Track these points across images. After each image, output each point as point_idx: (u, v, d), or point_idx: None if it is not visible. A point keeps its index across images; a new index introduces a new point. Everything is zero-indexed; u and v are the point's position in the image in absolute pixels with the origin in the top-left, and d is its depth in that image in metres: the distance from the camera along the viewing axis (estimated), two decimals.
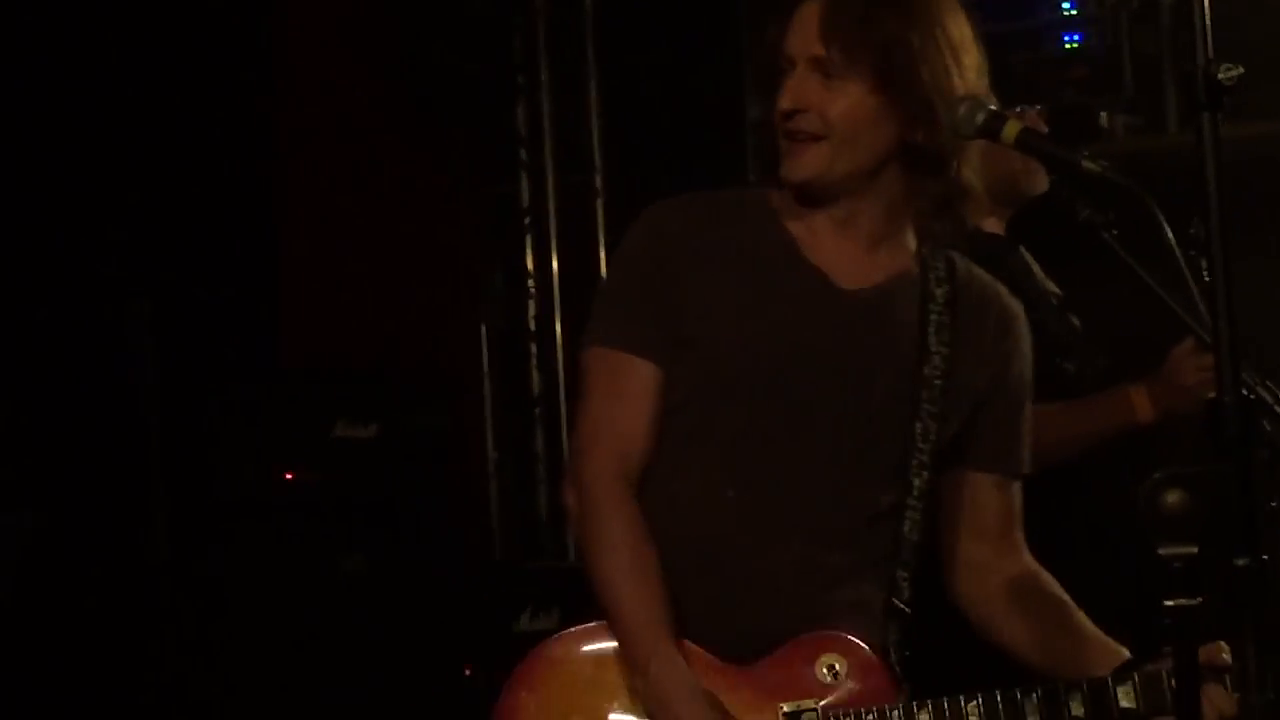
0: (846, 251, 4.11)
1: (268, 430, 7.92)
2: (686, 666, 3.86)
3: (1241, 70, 3.61)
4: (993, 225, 5.89)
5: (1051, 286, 6.15)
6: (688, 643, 3.94)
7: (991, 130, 4.31)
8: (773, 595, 3.99)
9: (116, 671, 7.48)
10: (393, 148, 8.91)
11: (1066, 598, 4.43)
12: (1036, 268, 6.07)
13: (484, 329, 9.13)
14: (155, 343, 7.73)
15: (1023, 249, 6.06)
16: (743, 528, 4.02)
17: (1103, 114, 8.15)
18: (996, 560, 4.40)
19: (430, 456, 8.24)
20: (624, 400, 4.04)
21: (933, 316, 4.16)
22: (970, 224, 4.82)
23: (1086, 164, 4.77)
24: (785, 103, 4.00)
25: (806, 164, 3.97)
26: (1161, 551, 3.34)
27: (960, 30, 4.17)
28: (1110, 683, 4.06)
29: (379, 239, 8.93)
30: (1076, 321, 6.11)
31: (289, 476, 7.79)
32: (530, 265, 9.16)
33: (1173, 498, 3.32)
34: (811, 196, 4.09)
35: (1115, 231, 5.61)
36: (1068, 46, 8.15)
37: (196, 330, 7.96)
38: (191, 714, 7.54)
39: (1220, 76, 3.33)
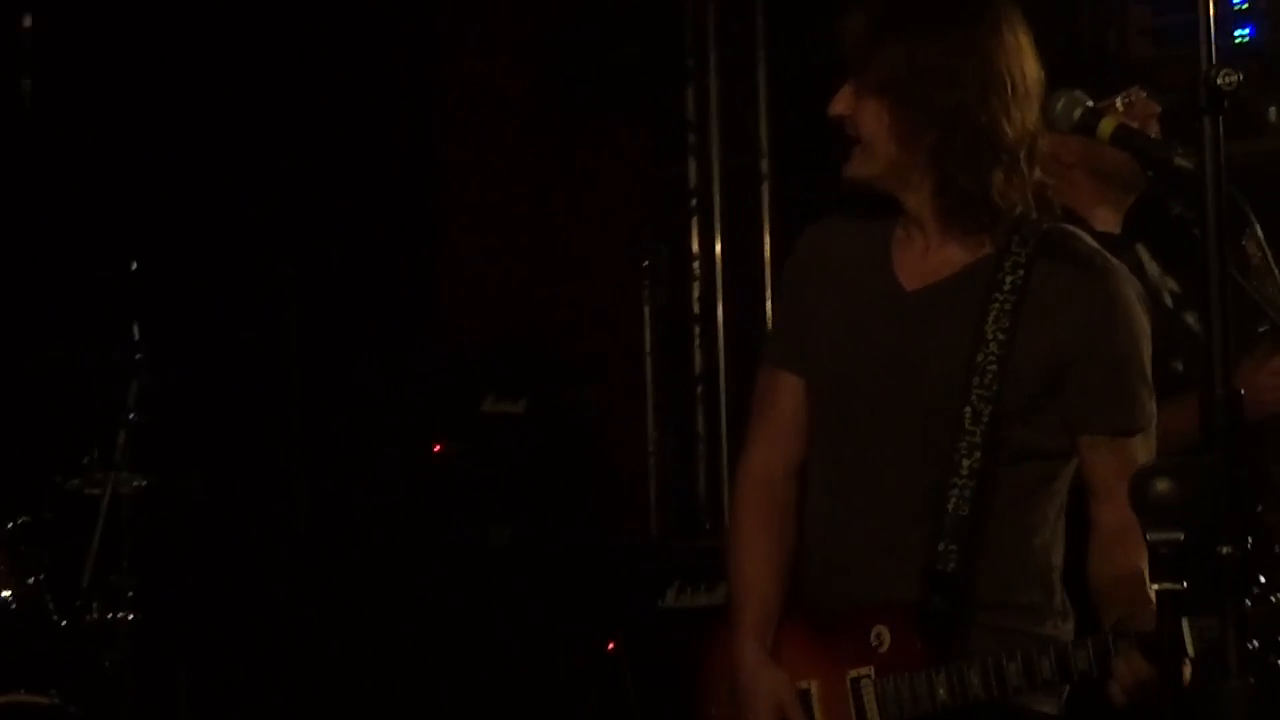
0: (918, 251, 4.33)
1: (418, 403, 7.98)
2: (761, 649, 4.18)
3: (1240, 76, 3.65)
4: (1106, 217, 5.76)
5: (1170, 284, 6.00)
6: (796, 604, 4.30)
7: (1088, 126, 4.33)
8: (852, 565, 4.23)
9: (267, 634, 7.64)
10: (559, 129, 8.98)
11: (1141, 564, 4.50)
12: (1152, 265, 5.93)
13: (647, 309, 9.11)
14: (301, 312, 7.85)
15: (1140, 246, 5.91)
16: (834, 506, 4.31)
17: (1272, 109, 8.12)
18: (1102, 515, 4.49)
19: (578, 432, 8.38)
20: (772, 411, 4.41)
21: (994, 305, 4.27)
22: (1059, 210, 4.64)
23: (1178, 161, 4.74)
24: (830, 108, 4.32)
25: (849, 165, 4.23)
26: (1149, 538, 3.40)
27: (991, 39, 4.26)
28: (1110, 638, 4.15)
29: (543, 219, 9.04)
30: (1192, 319, 5.94)
31: (437, 449, 7.84)
32: (695, 247, 9.10)
33: (1161, 486, 3.38)
34: (891, 201, 4.32)
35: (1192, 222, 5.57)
36: (1237, 41, 8.03)
37: (354, 305, 8.06)
38: (336, 677, 7.66)
39: (1219, 82, 3.35)
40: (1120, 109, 5.93)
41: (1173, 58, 8.08)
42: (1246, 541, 3.38)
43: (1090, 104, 4.39)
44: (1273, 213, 8.03)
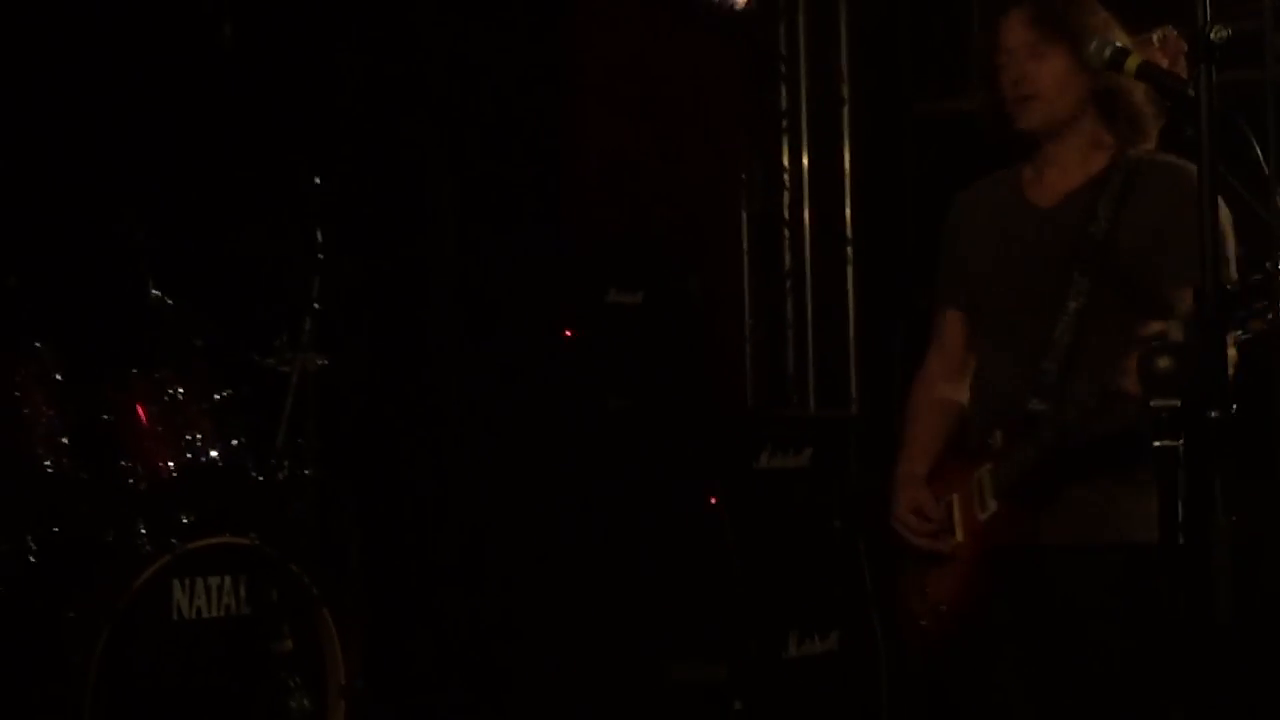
0: (1050, 180, 4.92)
1: (552, 296, 8.08)
2: (911, 472, 4.93)
3: (1230, 31, 3.93)
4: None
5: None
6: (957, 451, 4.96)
7: (1117, 63, 4.60)
8: (997, 405, 4.81)
9: (426, 485, 7.81)
10: (673, 59, 8.98)
11: None
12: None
13: (744, 214, 9.21)
14: (456, 220, 7.95)
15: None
16: (992, 372, 4.90)
17: None
18: None
19: (685, 319, 8.37)
20: (940, 340, 5.12)
21: (1100, 205, 4.80)
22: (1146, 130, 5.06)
23: (1190, 92, 5.05)
24: (1011, 75, 4.83)
25: (1028, 116, 4.79)
26: (1152, 404, 3.75)
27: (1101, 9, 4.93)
28: None
29: (658, 137, 8.99)
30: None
31: (567, 333, 7.94)
32: (785, 161, 9.23)
33: (1163, 362, 3.75)
34: (1032, 146, 4.90)
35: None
36: None
37: (499, 213, 8.12)
38: (481, 518, 7.82)
39: (1212, 36, 3.74)
40: (1156, 44, 6.23)
41: None
42: (1230, 409, 3.70)
43: (1118, 44, 4.71)
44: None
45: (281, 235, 6.55)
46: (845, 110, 9.21)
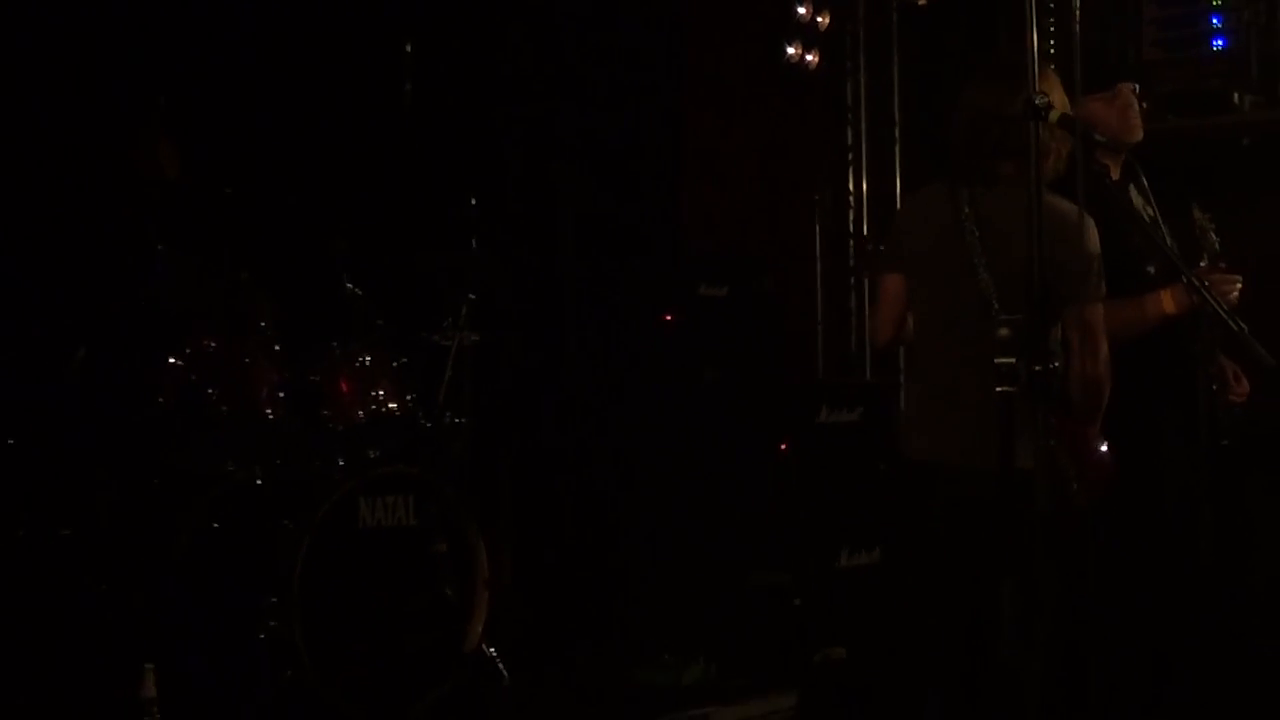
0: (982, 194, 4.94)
1: (650, 282, 8.20)
2: None
3: (1048, 99, 4.16)
4: (1112, 169, 5.89)
5: (1149, 211, 6.04)
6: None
7: (1042, 115, 4.88)
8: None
9: (553, 435, 7.97)
10: (766, 108, 9.09)
11: None
12: (1138, 198, 5.99)
13: (817, 228, 9.21)
14: (578, 228, 8.09)
15: (1131, 186, 6.00)
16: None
17: (1236, 94, 8.06)
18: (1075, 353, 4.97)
19: (763, 308, 8.41)
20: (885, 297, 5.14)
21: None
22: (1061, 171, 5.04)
23: (1096, 137, 5.31)
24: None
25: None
26: (995, 360, 4.02)
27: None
28: None
29: (753, 168, 9.14)
30: (1164, 234, 5.93)
31: (668, 318, 8.04)
32: (850, 187, 9.26)
33: (1004, 331, 4.01)
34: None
35: (1111, 179, 5.71)
36: (1215, 49, 8.10)
37: (618, 222, 8.26)
38: (593, 470, 8.04)
39: (1036, 102, 4.07)
40: (1110, 97, 6.39)
41: (1173, 59, 8.23)
42: (1049, 364, 3.91)
43: (1046, 99, 4.95)
44: (1231, 169, 8.16)
45: (446, 245, 6.65)
46: (897, 147, 9.18)
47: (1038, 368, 3.94)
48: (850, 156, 9.33)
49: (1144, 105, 6.37)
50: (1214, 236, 5.90)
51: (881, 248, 5.63)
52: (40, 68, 6.17)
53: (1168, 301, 5.68)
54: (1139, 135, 6.05)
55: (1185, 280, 5.37)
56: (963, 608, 4.99)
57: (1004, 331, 4.00)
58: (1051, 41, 8.19)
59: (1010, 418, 4.02)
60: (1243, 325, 5.16)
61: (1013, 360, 4.02)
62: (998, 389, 4.01)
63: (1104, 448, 5.15)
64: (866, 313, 9.06)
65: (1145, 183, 6.10)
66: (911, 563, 5.40)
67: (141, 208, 6.00)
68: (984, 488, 4.57)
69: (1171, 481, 5.50)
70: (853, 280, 9.30)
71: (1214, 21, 8.18)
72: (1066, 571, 4.91)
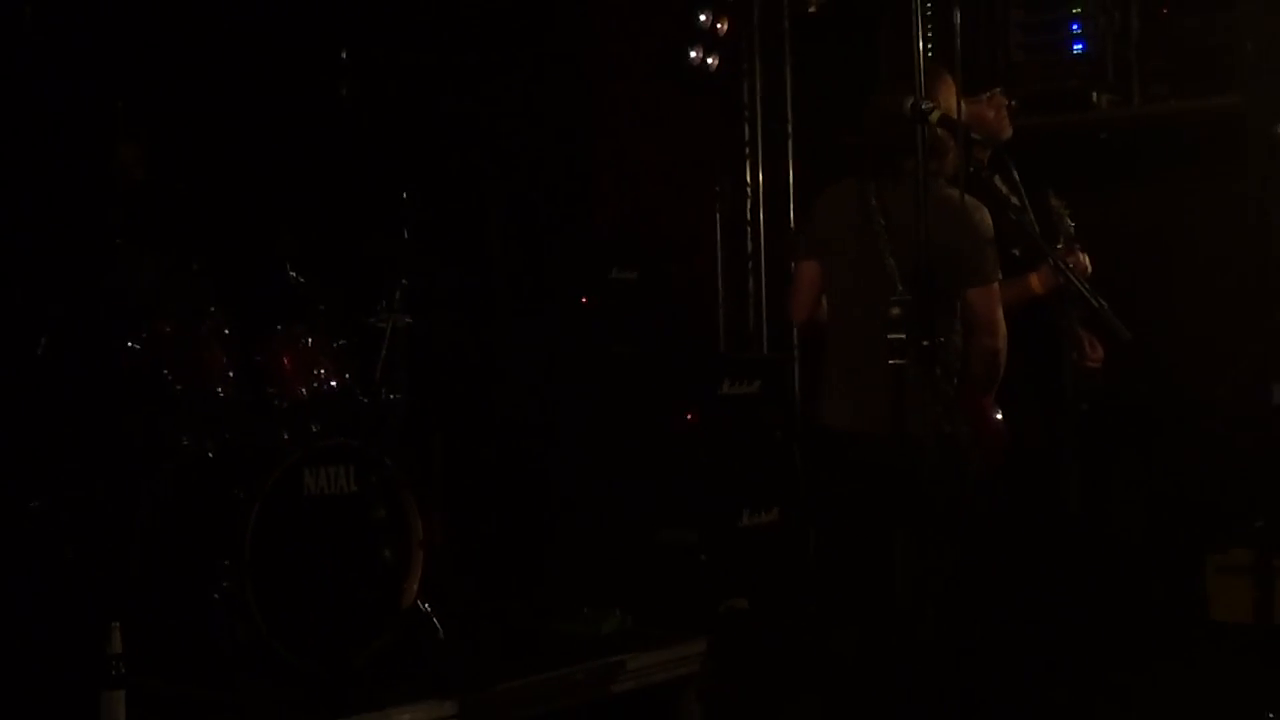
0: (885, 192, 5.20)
1: (565, 267, 8.31)
2: None
3: (933, 106, 4.35)
4: (981, 160, 5.99)
5: (1014, 200, 6.06)
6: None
7: (925, 116, 5.00)
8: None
9: (486, 403, 7.99)
10: (669, 106, 9.06)
11: None
12: (1003, 187, 5.99)
13: (718, 217, 9.22)
14: (507, 224, 8.18)
15: (996, 176, 6.01)
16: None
17: (1094, 93, 8.20)
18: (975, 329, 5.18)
19: (668, 289, 8.55)
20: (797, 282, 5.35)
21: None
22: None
23: (974, 135, 5.44)
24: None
25: None
26: (888, 336, 4.15)
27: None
28: None
29: (660, 160, 9.10)
30: (1031, 220, 6.03)
31: (585, 300, 8.19)
32: (748, 178, 9.23)
33: (894, 310, 4.15)
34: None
35: (985, 173, 5.81)
36: (1075, 52, 8.28)
37: (546, 215, 8.38)
38: (516, 437, 8.03)
39: (923, 107, 4.29)
40: (986, 100, 6.56)
41: (1037, 62, 8.41)
42: (938, 338, 4.07)
43: (931, 104, 5.01)
44: (1089, 162, 8.15)
45: (380, 235, 6.60)
46: (789, 142, 9.16)
47: (926, 342, 4.02)
48: (747, 151, 9.33)
49: (1012, 104, 6.54)
50: (1069, 221, 6.13)
51: (801, 236, 5.78)
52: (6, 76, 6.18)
53: (1035, 283, 5.87)
54: (1009, 133, 6.27)
55: (1050, 262, 5.54)
56: (876, 560, 5.10)
57: (895, 310, 4.11)
58: (930, 47, 8.32)
59: (901, 387, 4.13)
60: (1102, 302, 5.36)
61: (903, 336, 4.13)
62: (890, 361, 4.12)
63: (999, 415, 5.30)
64: (764, 294, 9.14)
65: (1015, 174, 6.21)
66: (828, 520, 5.52)
67: (103, 207, 6.03)
68: (898, 453, 4.71)
69: (1035, 444, 5.60)
70: (750, 264, 9.26)
71: (1074, 28, 8.31)
72: (962, 529, 5.01)
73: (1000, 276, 5.31)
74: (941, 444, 4.78)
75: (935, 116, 4.87)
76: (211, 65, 6.82)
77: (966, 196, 5.19)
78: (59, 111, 6.28)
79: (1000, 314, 5.23)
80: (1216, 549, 7.83)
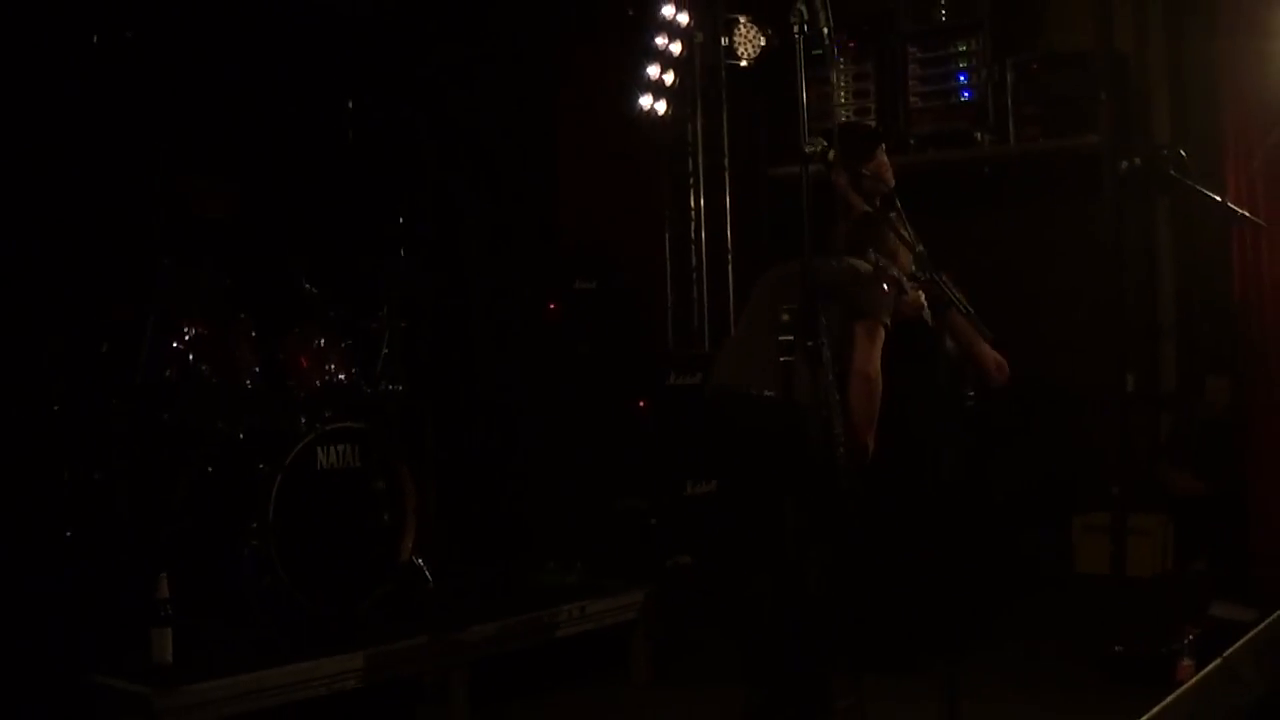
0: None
1: (536, 279, 8.25)
2: None
3: (823, 145, 4.47)
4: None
5: (904, 230, 6.12)
6: None
7: (826, 161, 5.21)
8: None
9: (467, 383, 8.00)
10: (627, 140, 9.07)
11: None
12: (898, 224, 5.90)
13: (666, 236, 9.24)
14: (482, 240, 8.18)
15: (890, 215, 5.96)
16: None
17: (978, 133, 8.40)
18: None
19: (621, 296, 8.52)
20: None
21: None
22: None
23: (863, 172, 5.60)
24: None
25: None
26: (779, 339, 4.26)
27: None
28: None
29: (616, 186, 9.12)
30: (920, 250, 5.95)
31: (552, 306, 8.19)
32: (691, 203, 9.25)
33: (785, 316, 4.22)
34: None
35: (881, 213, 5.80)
36: (962, 99, 8.49)
37: (513, 231, 8.37)
38: (498, 422, 8.02)
39: (807, 149, 4.34)
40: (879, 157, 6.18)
41: (930, 107, 8.54)
42: (820, 342, 4.19)
43: (824, 145, 5.20)
44: (974, 192, 8.34)
45: (381, 253, 6.60)
46: (726, 174, 9.17)
47: (810, 343, 4.20)
48: (691, 180, 9.33)
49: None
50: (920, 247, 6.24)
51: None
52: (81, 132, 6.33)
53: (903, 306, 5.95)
54: (893, 182, 6.38)
55: (930, 280, 5.59)
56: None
57: (785, 316, 4.20)
58: (844, 98, 8.57)
59: (789, 379, 4.26)
60: (970, 309, 5.54)
61: (790, 337, 4.25)
62: (780, 358, 4.26)
63: (869, 442, 5.37)
64: (705, 300, 9.16)
65: (899, 207, 6.36)
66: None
67: (153, 231, 6.14)
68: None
69: (918, 427, 5.75)
70: (694, 275, 9.25)
71: (961, 79, 8.51)
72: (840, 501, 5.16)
73: (885, 321, 5.41)
74: (822, 431, 4.93)
75: (833, 155, 5.09)
76: (250, 119, 6.94)
77: (857, 262, 5.38)
78: (135, 138, 6.38)
79: (874, 346, 5.33)
80: (1081, 511, 8.05)
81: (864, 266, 5.32)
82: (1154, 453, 8.02)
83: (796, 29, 4.37)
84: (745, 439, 5.22)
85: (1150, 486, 7.78)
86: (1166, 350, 8.26)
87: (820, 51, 4.64)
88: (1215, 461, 7.54)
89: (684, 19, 8.95)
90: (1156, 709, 3.80)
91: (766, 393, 5.05)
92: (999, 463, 8.10)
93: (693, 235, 9.33)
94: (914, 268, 5.60)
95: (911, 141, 8.42)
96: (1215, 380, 7.72)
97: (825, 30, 4.40)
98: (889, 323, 5.50)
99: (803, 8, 4.35)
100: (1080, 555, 7.97)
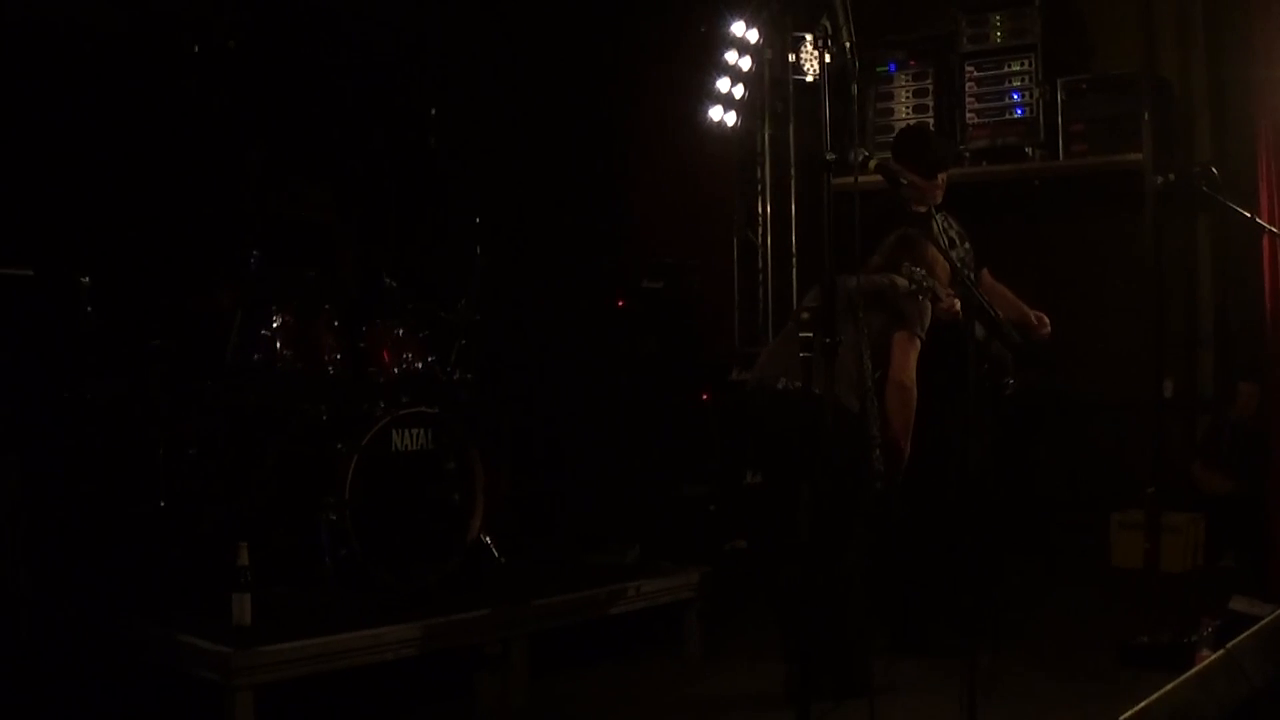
0: None
1: (610, 279, 8.37)
2: None
3: (835, 156, 4.46)
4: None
5: (951, 233, 6.34)
6: None
7: (866, 166, 5.21)
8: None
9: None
10: (699, 150, 9.20)
11: None
12: (938, 224, 6.23)
13: (735, 240, 9.28)
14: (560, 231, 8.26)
15: (937, 215, 6.26)
16: None
17: (1029, 149, 8.36)
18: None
19: (689, 296, 8.58)
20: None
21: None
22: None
23: (902, 179, 5.62)
24: None
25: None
26: (800, 334, 4.17)
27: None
28: None
29: (690, 195, 9.25)
30: (960, 254, 6.26)
31: (620, 304, 8.33)
32: (759, 210, 9.31)
33: (805, 315, 4.27)
34: None
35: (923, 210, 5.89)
36: (1015, 116, 8.46)
37: (585, 230, 8.50)
38: (564, 411, 8.01)
39: (826, 157, 4.35)
40: (940, 178, 6.31)
41: (986, 124, 8.53)
42: (835, 338, 4.12)
43: (866, 154, 5.22)
44: (1025, 203, 8.36)
45: (458, 250, 6.64)
46: (793, 183, 9.14)
47: (827, 340, 4.20)
48: (759, 188, 9.36)
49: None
50: (966, 245, 6.21)
51: None
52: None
53: (953, 305, 5.97)
54: (939, 200, 6.32)
55: (966, 285, 5.59)
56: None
57: (805, 315, 4.18)
58: (909, 112, 8.57)
59: (809, 369, 4.22)
60: (997, 313, 5.55)
61: (810, 334, 4.24)
62: (801, 353, 4.21)
63: (905, 445, 5.38)
64: (769, 300, 9.19)
65: (950, 222, 6.39)
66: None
67: (251, 230, 6.16)
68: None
69: (951, 420, 5.68)
70: (760, 278, 9.26)
71: (1014, 96, 8.52)
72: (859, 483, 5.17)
73: (920, 334, 5.43)
74: (842, 412, 4.93)
75: (872, 164, 5.13)
76: (338, 125, 7.07)
77: (897, 278, 5.40)
78: (237, 145, 6.47)
79: (909, 355, 5.36)
80: (1118, 509, 8.04)
81: (902, 282, 5.30)
82: (1189, 455, 7.98)
83: (820, 42, 4.33)
84: (770, 431, 5.28)
85: (1184, 487, 7.76)
86: (1205, 358, 8.25)
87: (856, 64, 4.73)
88: (1246, 463, 7.51)
89: (753, 36, 9.00)
90: (1159, 694, 3.77)
91: (787, 384, 5.16)
92: (1041, 462, 8.09)
93: (759, 240, 9.40)
94: (954, 275, 5.63)
95: (967, 155, 8.39)
96: (1247, 386, 7.71)
97: (847, 44, 4.32)
98: (924, 335, 5.52)
99: (827, 23, 4.27)
100: (1116, 550, 7.97)
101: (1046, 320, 6.34)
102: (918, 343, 5.34)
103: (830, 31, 4.28)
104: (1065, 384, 7.86)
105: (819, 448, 4.31)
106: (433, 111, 6.89)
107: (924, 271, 5.32)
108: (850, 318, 5.21)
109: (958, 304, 5.60)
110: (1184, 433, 8.07)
